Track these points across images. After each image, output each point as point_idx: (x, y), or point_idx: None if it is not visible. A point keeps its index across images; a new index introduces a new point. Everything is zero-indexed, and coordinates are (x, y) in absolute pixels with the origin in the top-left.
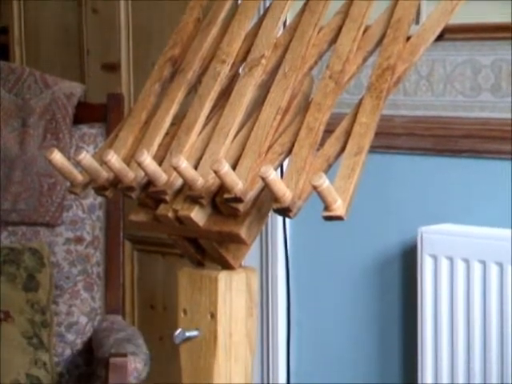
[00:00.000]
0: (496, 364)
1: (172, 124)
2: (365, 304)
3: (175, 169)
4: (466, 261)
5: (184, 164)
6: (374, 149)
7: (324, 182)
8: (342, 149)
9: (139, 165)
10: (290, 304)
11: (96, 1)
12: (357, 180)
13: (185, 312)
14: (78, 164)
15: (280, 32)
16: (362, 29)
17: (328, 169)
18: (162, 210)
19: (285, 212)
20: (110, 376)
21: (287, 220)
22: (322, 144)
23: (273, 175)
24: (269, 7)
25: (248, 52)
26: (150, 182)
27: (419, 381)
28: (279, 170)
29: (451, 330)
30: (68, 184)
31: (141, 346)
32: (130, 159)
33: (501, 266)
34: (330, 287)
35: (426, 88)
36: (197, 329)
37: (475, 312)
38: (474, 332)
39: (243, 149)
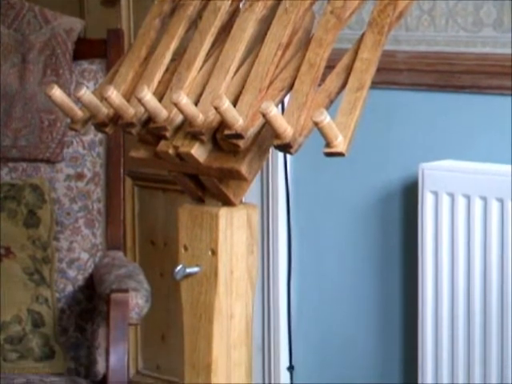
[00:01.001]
0: (496, 295)
1: (172, 60)
2: (365, 240)
3: (175, 105)
4: (467, 197)
5: (184, 100)
6: (375, 85)
7: (325, 118)
8: (344, 85)
9: (139, 101)
10: (291, 240)
11: None
12: (358, 116)
13: (185, 248)
14: (78, 100)
15: None
16: None
17: (329, 105)
18: (162, 146)
19: (285, 148)
20: (111, 312)
21: (288, 156)
22: (323, 80)
23: (274, 111)
24: None
25: None
26: (150, 119)
27: (419, 315)
28: (280, 106)
29: (451, 265)
30: (68, 120)
31: (142, 281)
32: (131, 95)
33: (501, 201)
34: (330, 223)
35: (428, 23)
36: (197, 265)
37: (475, 248)
38: (475, 267)
39: (244, 85)
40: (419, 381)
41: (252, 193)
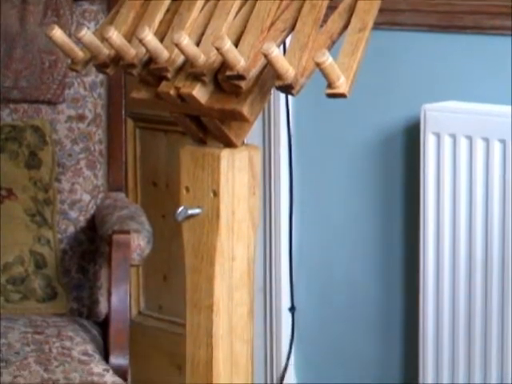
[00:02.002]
0: (497, 234)
1: (173, 0)
2: (367, 182)
3: (177, 45)
4: (469, 138)
5: (186, 40)
6: (377, 25)
7: (327, 59)
8: (346, 25)
9: (140, 41)
10: (293, 182)
11: None
12: (360, 57)
13: (187, 190)
14: (78, 41)
15: None
16: None
17: (331, 46)
18: (163, 87)
19: (287, 89)
20: (113, 253)
21: (290, 97)
22: (325, 21)
23: (275, 52)
24: None
25: None
26: (151, 59)
27: (421, 256)
28: (282, 46)
29: (453, 206)
30: (69, 61)
31: (144, 223)
32: (131, 36)
33: (504, 143)
34: (332, 164)
35: None
36: (199, 206)
37: (477, 189)
38: (476, 208)
39: (245, 25)
40: (420, 319)
41: (254, 134)
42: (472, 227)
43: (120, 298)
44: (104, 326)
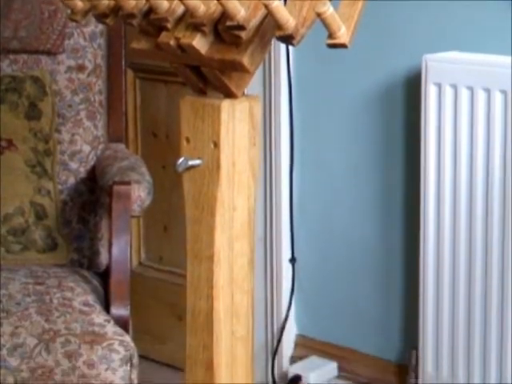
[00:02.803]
0: (498, 184)
1: None
2: (368, 132)
3: None
4: (470, 89)
5: None
6: None
7: (328, 9)
8: None
9: None
10: (293, 133)
11: None
12: (361, 7)
13: (187, 140)
14: None
15: None
16: None
17: None
18: (163, 37)
19: (288, 40)
20: (113, 204)
21: (290, 48)
22: None
23: (276, 2)
24: None
25: None
26: (151, 9)
27: (421, 205)
28: None
29: (454, 156)
30: (68, 11)
31: (144, 174)
32: None
33: (505, 93)
34: (333, 115)
35: None
36: (199, 157)
37: (478, 140)
38: (477, 159)
39: None
40: (420, 269)
41: (254, 85)
42: (473, 177)
43: (120, 248)
44: (105, 276)
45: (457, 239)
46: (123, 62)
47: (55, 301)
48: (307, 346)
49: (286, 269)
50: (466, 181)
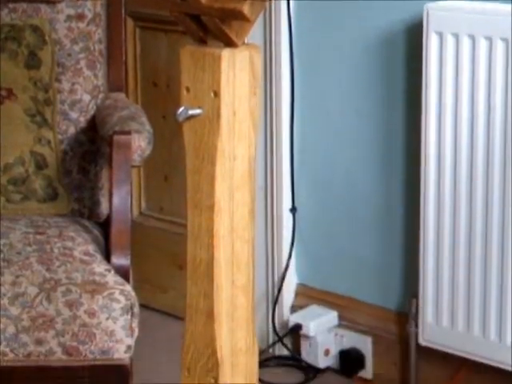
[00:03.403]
0: (499, 132)
1: None
2: (369, 81)
3: None
4: (472, 37)
5: None
6: None
7: None
8: None
9: None
10: (294, 81)
11: None
12: None
13: (187, 90)
14: None
15: None
16: None
17: None
18: None
19: None
20: (113, 154)
21: None
22: None
23: None
24: None
25: None
26: None
27: (422, 154)
28: None
29: (455, 106)
30: None
31: (144, 123)
32: None
33: (506, 42)
34: (333, 63)
35: None
36: (200, 107)
37: (480, 88)
38: (478, 107)
39: None
40: (421, 217)
41: (255, 34)
42: (474, 124)
43: (121, 198)
44: (105, 226)
45: (458, 185)
46: (123, 11)
47: (56, 250)
48: (307, 295)
49: (287, 218)
50: (467, 128)
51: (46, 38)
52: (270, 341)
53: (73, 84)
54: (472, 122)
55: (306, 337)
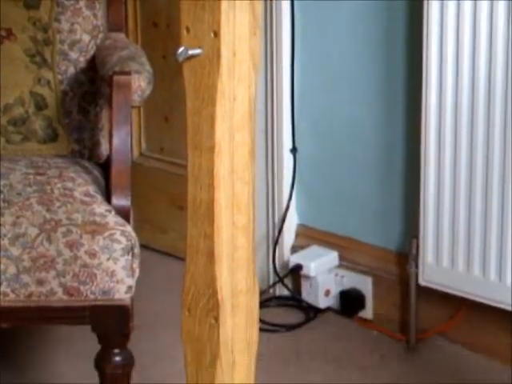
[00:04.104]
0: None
1: None
2: (370, 23)
3: None
4: None
5: None
6: None
7: None
8: None
9: None
10: (294, 22)
11: None
12: None
13: (187, 30)
14: None
15: None
16: None
17: None
18: None
19: None
20: (113, 94)
21: None
22: None
23: None
24: None
25: None
26: None
27: (423, 96)
28: None
29: (457, 47)
30: None
31: (144, 64)
32: None
33: None
34: (334, 6)
35: None
36: (200, 47)
37: (481, 37)
38: (479, 52)
39: None
40: (422, 158)
41: None
42: (475, 66)
43: (121, 139)
44: (105, 167)
45: (458, 126)
46: None
47: (56, 191)
48: (308, 236)
49: (287, 159)
50: (468, 69)
51: None
52: (271, 281)
53: (72, 24)
54: (473, 63)
55: (307, 277)
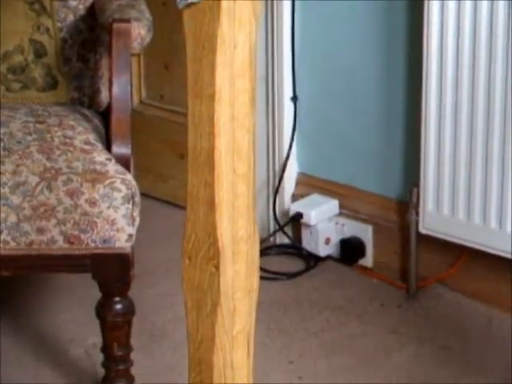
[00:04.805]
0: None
1: None
2: None
3: None
4: None
5: None
6: None
7: None
8: None
9: None
10: None
11: None
12: None
13: None
14: None
15: None
16: None
17: None
18: None
19: None
20: (113, 41)
21: None
22: None
23: None
24: None
25: None
26: None
27: (424, 39)
28: None
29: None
30: None
31: (144, 11)
32: None
33: None
34: None
35: None
36: None
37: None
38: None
39: None
40: (423, 106)
41: None
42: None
43: (121, 87)
44: (105, 115)
45: (460, 74)
46: None
47: (56, 139)
48: (308, 184)
49: (288, 107)
50: (469, 19)
51: None
52: (271, 230)
53: None
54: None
55: (307, 225)
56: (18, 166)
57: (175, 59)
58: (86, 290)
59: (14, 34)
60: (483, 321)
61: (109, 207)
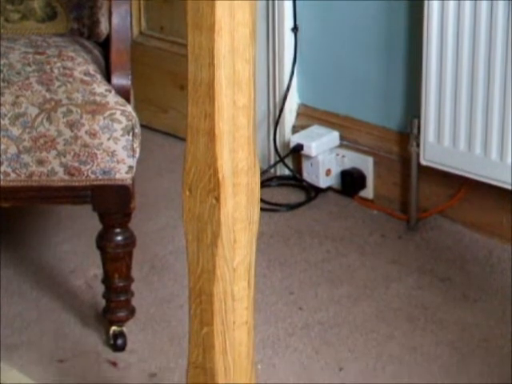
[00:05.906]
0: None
1: None
2: None
3: None
4: None
5: None
6: None
7: None
8: None
9: None
10: None
11: None
12: None
13: None
14: None
15: None
16: None
17: None
18: None
19: None
20: None
21: None
22: None
23: None
24: None
25: None
26: None
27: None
28: None
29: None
30: None
31: None
32: None
33: None
34: None
35: None
36: None
37: None
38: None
39: None
40: (424, 37)
41: None
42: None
43: (121, 17)
44: (105, 46)
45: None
46: None
47: (56, 70)
48: (309, 116)
49: (288, 38)
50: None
51: None
52: (272, 161)
53: None
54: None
55: (308, 157)
56: (17, 97)
57: None
58: (86, 222)
59: None
60: (483, 252)
61: (109, 139)
